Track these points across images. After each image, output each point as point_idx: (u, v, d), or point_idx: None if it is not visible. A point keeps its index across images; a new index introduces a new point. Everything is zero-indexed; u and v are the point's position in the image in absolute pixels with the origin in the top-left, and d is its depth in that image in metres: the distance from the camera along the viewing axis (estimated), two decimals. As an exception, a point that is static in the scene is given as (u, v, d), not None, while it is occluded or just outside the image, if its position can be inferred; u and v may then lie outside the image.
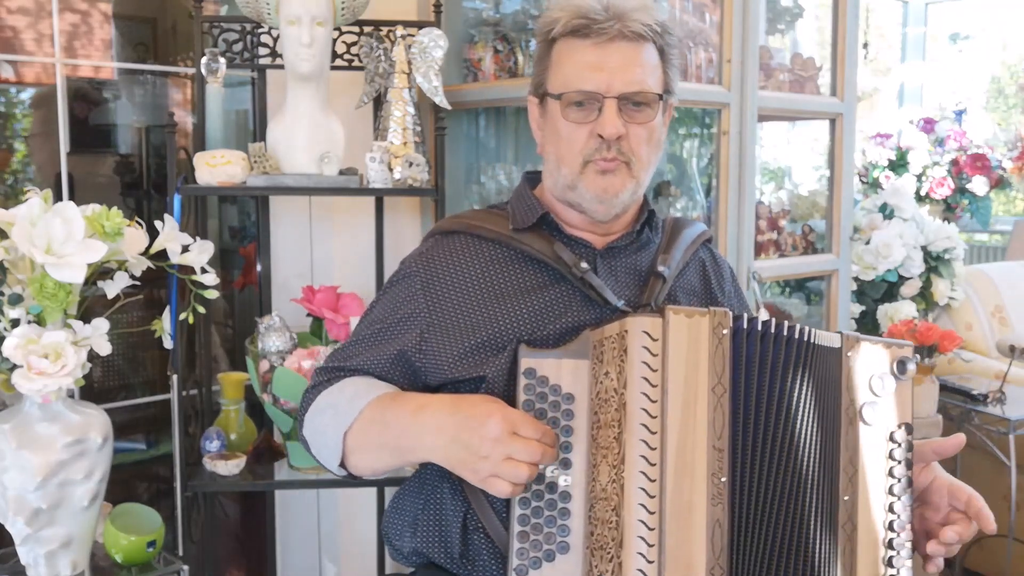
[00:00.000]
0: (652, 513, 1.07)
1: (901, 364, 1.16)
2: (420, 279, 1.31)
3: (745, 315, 1.14)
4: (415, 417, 1.14)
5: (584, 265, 1.26)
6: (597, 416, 1.11)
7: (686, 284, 1.37)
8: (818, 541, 1.13)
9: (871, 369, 1.16)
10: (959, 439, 1.19)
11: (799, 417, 1.13)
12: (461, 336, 1.25)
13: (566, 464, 1.10)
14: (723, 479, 1.08)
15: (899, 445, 1.16)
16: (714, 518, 1.07)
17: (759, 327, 1.13)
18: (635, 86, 1.23)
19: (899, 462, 1.16)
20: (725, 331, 1.11)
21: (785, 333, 1.15)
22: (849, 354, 1.16)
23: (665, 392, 1.09)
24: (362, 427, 1.19)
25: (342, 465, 1.24)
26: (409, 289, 1.31)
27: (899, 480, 1.16)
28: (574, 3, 1.25)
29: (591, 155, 1.25)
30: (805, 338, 1.15)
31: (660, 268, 1.31)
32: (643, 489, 1.07)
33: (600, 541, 1.08)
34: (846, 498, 1.14)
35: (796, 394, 1.14)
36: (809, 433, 1.14)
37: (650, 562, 1.06)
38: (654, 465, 1.07)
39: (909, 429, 1.16)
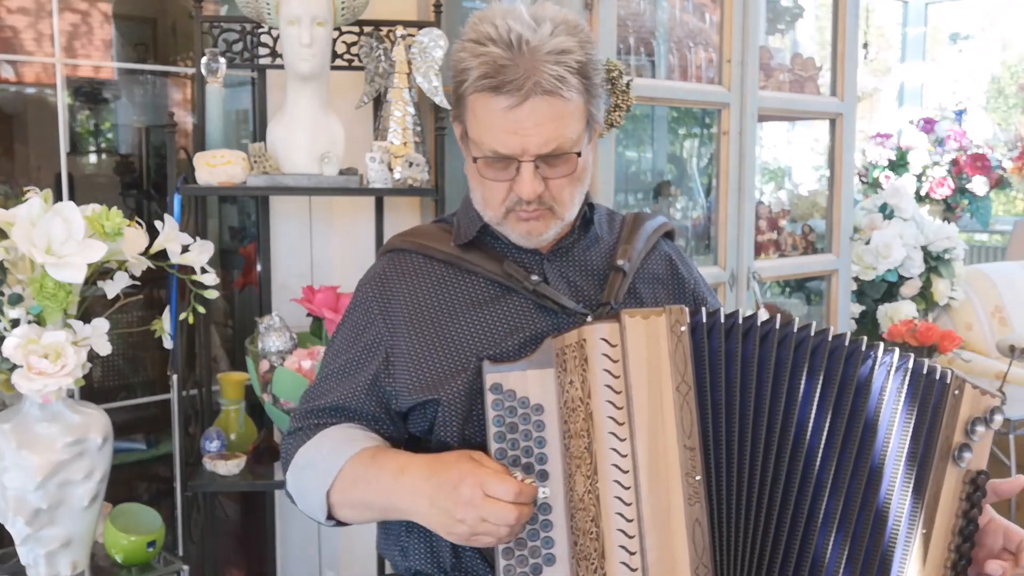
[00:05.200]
0: (630, 521, 1.07)
1: (992, 412, 1.16)
2: (377, 304, 1.30)
3: (704, 309, 1.13)
4: (396, 480, 1.14)
5: (535, 277, 1.25)
6: (567, 425, 1.10)
7: (648, 273, 1.36)
8: (822, 541, 1.12)
9: (971, 412, 1.16)
10: (1019, 481, 1.20)
11: (785, 411, 1.12)
12: (422, 356, 1.24)
13: (543, 476, 1.10)
14: (697, 478, 1.08)
15: (976, 490, 1.15)
16: (693, 518, 1.07)
17: (722, 320, 1.13)
18: (552, 144, 1.17)
19: (973, 506, 1.15)
20: (683, 328, 1.10)
21: (779, 328, 1.13)
22: (956, 392, 1.15)
23: (630, 398, 1.08)
24: (343, 486, 1.19)
25: (330, 517, 1.23)
26: (368, 315, 1.30)
27: (968, 523, 1.15)
28: (483, 49, 1.16)
29: (513, 206, 1.23)
30: (779, 327, 1.13)
31: (619, 262, 1.30)
32: (619, 498, 1.07)
33: (584, 551, 1.08)
34: (924, 531, 1.13)
35: (779, 388, 1.12)
36: (804, 429, 1.12)
37: (633, 570, 1.06)
38: (627, 472, 1.07)
39: (986, 476, 1.17)
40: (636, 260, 1.33)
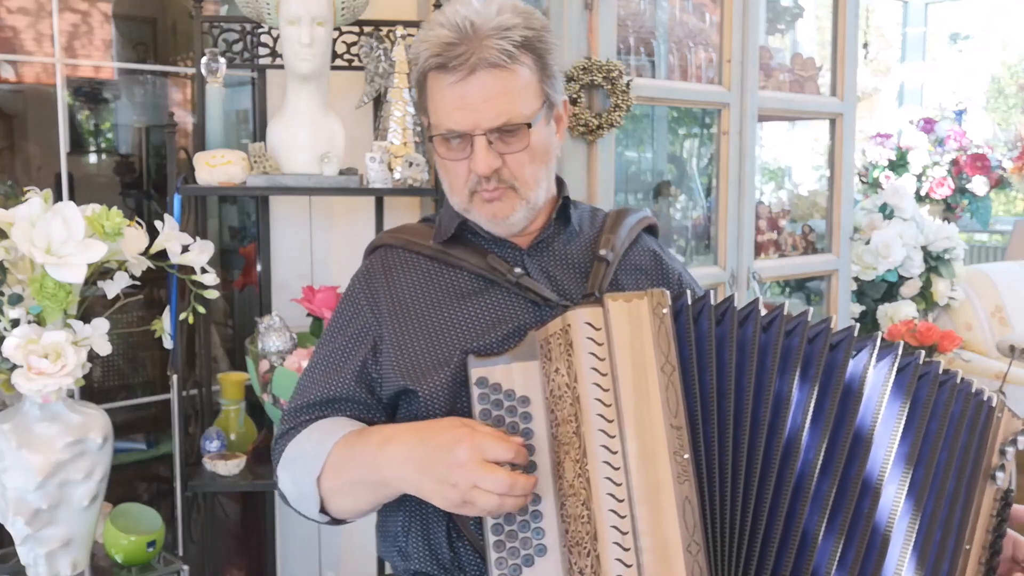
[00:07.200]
0: (621, 501, 1.07)
1: (1018, 434, 1.21)
2: (365, 295, 1.32)
3: (689, 292, 1.14)
4: (381, 449, 1.14)
5: (518, 270, 1.27)
6: (554, 414, 1.11)
7: (631, 265, 1.37)
8: (808, 523, 1.12)
9: (1006, 434, 1.20)
10: None
11: (770, 396, 1.12)
12: (407, 344, 1.26)
13: (531, 467, 1.10)
14: (685, 456, 1.08)
15: (1006, 506, 1.20)
16: (682, 495, 1.08)
17: (712, 303, 1.13)
18: (501, 118, 1.20)
19: (1002, 522, 1.20)
20: (665, 310, 1.11)
21: (783, 320, 1.14)
22: (999, 415, 1.19)
23: (615, 379, 1.10)
24: (333, 469, 1.19)
25: (323, 511, 1.23)
26: (355, 306, 1.32)
27: (997, 539, 1.19)
28: (433, 32, 1.22)
29: (474, 187, 1.26)
30: (783, 319, 1.14)
31: (602, 251, 1.31)
32: (609, 478, 1.08)
33: (575, 537, 1.08)
34: (967, 547, 1.16)
35: (766, 373, 1.12)
36: (787, 414, 1.12)
37: (626, 549, 1.07)
38: (616, 453, 1.08)
39: (1013, 494, 1.21)
40: (619, 250, 1.34)
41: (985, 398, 1.19)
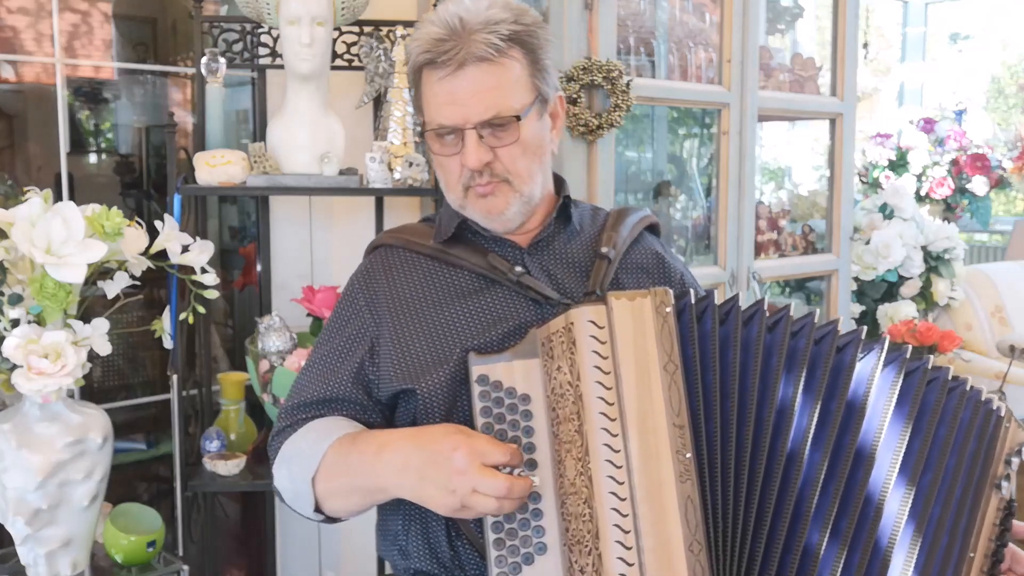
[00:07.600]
0: (623, 499, 1.07)
1: (1022, 445, 1.22)
2: (363, 296, 1.32)
3: (693, 292, 1.14)
4: (378, 457, 1.13)
5: (519, 269, 1.27)
6: (555, 412, 1.11)
7: (633, 264, 1.37)
8: (812, 526, 1.12)
9: (1012, 444, 1.21)
10: None
11: (775, 396, 1.12)
12: (406, 344, 1.26)
13: (531, 465, 1.10)
14: (688, 455, 1.08)
15: (1008, 516, 1.21)
16: (684, 495, 1.07)
17: (715, 303, 1.13)
18: (491, 112, 1.21)
19: (1005, 531, 1.20)
20: (668, 309, 1.11)
21: (789, 320, 1.13)
22: (1007, 425, 1.20)
23: (619, 377, 1.10)
24: (328, 471, 1.19)
25: (318, 510, 1.23)
26: (354, 307, 1.32)
27: (999, 547, 1.20)
28: (424, 30, 1.23)
29: (468, 182, 1.26)
30: (772, 318, 1.14)
31: (604, 249, 1.31)
32: (611, 477, 1.08)
33: (576, 536, 1.08)
34: (972, 555, 1.17)
35: (771, 374, 1.12)
36: (792, 415, 1.12)
37: (628, 548, 1.06)
38: (618, 451, 1.08)
39: (1016, 504, 1.22)
40: (621, 249, 1.34)
41: (994, 407, 1.19)
